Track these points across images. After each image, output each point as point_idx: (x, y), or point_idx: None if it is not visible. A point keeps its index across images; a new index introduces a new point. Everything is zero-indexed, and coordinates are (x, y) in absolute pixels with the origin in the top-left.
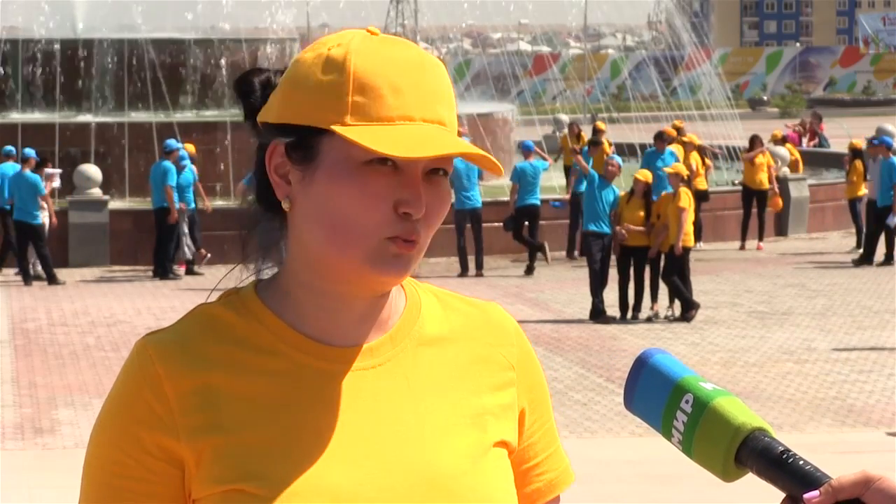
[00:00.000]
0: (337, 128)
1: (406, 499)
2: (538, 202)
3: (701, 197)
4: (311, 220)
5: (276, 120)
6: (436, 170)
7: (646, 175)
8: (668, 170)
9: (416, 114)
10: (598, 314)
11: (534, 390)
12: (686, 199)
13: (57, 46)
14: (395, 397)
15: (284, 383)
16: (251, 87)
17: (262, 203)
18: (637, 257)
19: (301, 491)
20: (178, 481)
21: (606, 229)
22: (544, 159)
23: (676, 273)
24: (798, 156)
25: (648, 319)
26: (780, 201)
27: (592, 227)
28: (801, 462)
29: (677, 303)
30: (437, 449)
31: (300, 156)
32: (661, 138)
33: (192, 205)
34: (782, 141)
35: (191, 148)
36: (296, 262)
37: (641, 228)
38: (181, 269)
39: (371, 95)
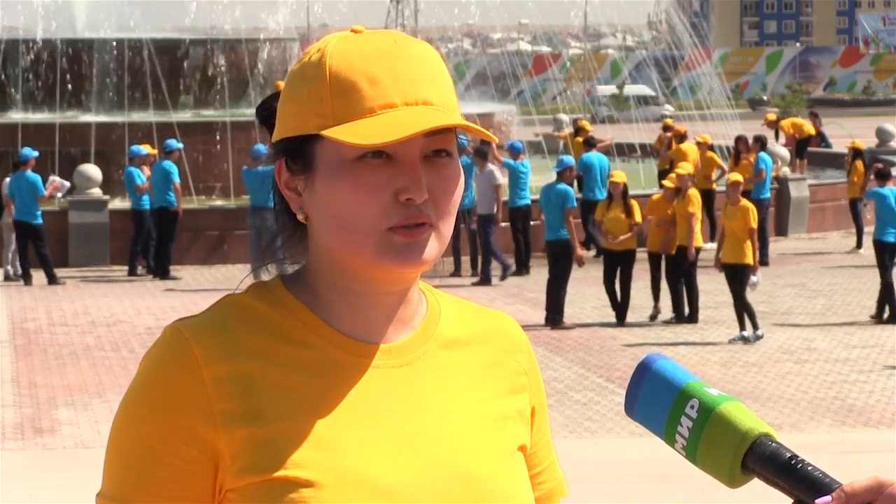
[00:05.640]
0: (324, 131)
1: (443, 497)
2: (529, 202)
3: (711, 197)
4: (322, 226)
5: (277, 137)
6: (437, 152)
7: (621, 176)
8: (678, 170)
9: (398, 99)
10: (555, 321)
11: (540, 398)
12: (696, 203)
13: (57, 46)
14: (424, 396)
15: (319, 376)
16: (272, 112)
17: (284, 217)
18: (623, 262)
19: (344, 483)
20: (207, 470)
21: (565, 235)
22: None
23: (683, 276)
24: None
25: (656, 319)
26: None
27: (557, 234)
28: (811, 468)
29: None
30: (468, 449)
31: (300, 166)
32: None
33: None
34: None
35: (151, 150)
36: (319, 263)
37: (627, 235)
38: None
39: (349, 91)
